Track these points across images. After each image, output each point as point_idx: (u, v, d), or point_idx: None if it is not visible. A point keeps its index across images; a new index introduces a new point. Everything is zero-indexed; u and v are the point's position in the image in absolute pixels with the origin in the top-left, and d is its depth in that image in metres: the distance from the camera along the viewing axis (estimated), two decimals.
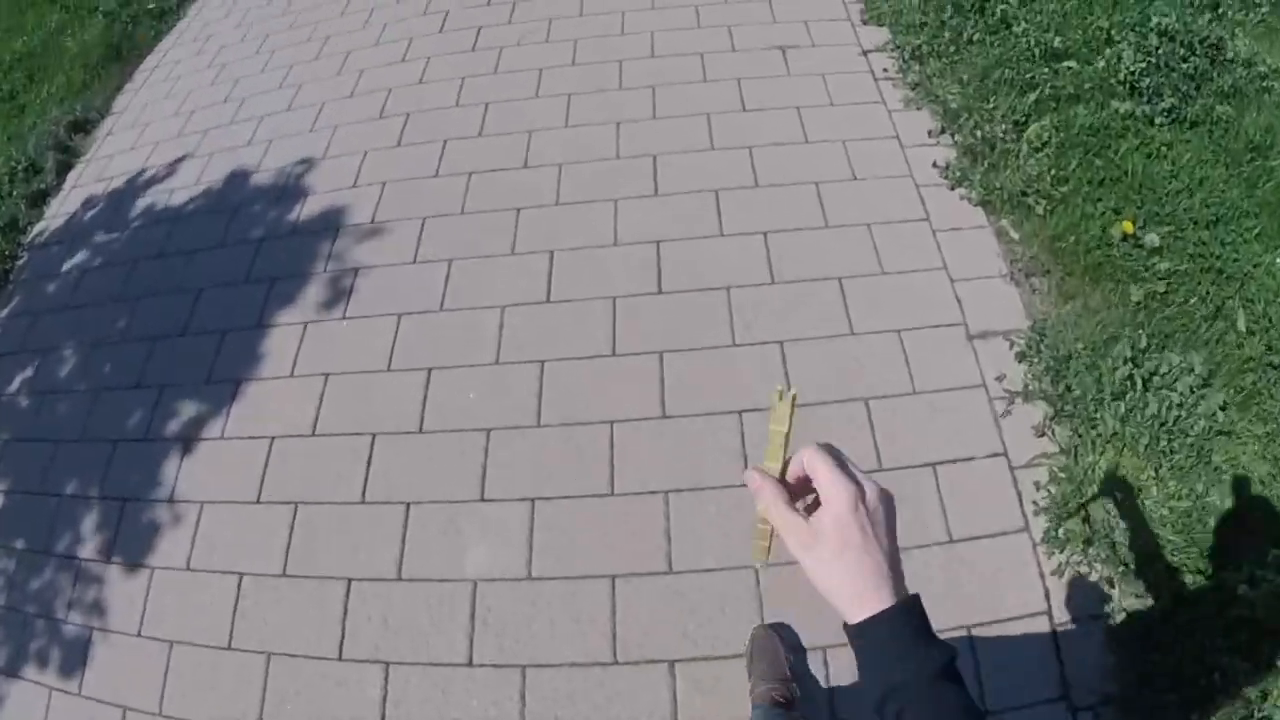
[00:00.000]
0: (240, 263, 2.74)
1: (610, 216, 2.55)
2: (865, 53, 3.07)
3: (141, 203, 3.21)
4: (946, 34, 3.02)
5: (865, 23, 3.24)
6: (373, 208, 2.73)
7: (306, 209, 2.83)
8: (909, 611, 0.54)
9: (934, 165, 2.66)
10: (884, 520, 0.55)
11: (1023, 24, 3.02)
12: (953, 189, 2.59)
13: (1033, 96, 2.80)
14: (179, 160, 3.32)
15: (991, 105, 2.80)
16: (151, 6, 4.32)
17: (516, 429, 2.13)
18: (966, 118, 2.77)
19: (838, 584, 0.54)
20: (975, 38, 3.04)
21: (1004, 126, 2.72)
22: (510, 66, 3.21)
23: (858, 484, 0.55)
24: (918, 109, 2.86)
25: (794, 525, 0.56)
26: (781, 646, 1.67)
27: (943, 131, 2.79)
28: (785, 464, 0.59)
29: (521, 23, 3.42)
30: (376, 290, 2.51)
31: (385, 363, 2.33)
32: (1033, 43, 2.93)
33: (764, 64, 3.03)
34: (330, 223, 2.74)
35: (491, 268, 2.48)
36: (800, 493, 0.59)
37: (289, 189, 2.93)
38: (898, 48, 3.08)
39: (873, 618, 0.53)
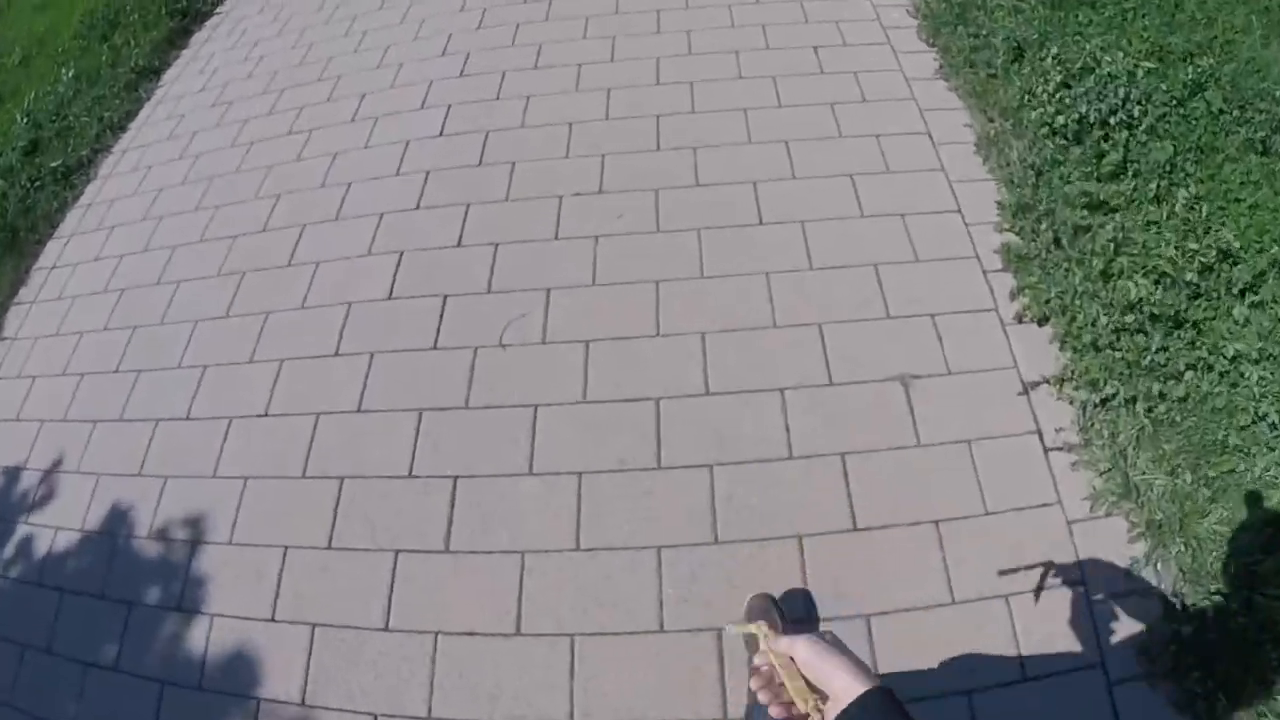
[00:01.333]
0: None
1: None
2: (1027, 389, 2.11)
3: (14, 544, 2.34)
4: (1154, 384, 2.04)
5: (1021, 318, 2.25)
6: (302, 671, 1.84)
7: (214, 644, 1.93)
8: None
9: (1140, 653, 1.75)
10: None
11: (1256, 363, 2.04)
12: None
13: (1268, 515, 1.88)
14: (61, 468, 2.43)
15: (1213, 521, 1.88)
16: (56, 164, 3.32)
17: None
18: (1181, 547, 1.86)
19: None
20: (1187, 377, 2.07)
21: (1234, 567, 1.81)
22: (490, 397, 2.19)
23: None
24: (1107, 514, 1.94)
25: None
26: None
27: (1146, 562, 1.88)
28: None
29: (503, 292, 2.40)
30: None
31: None
32: (1266, 404, 1.98)
33: (880, 410, 2.07)
34: (242, 684, 1.86)
35: None
36: None
37: (190, 590, 2.03)
38: (1072, 381, 2.12)
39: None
